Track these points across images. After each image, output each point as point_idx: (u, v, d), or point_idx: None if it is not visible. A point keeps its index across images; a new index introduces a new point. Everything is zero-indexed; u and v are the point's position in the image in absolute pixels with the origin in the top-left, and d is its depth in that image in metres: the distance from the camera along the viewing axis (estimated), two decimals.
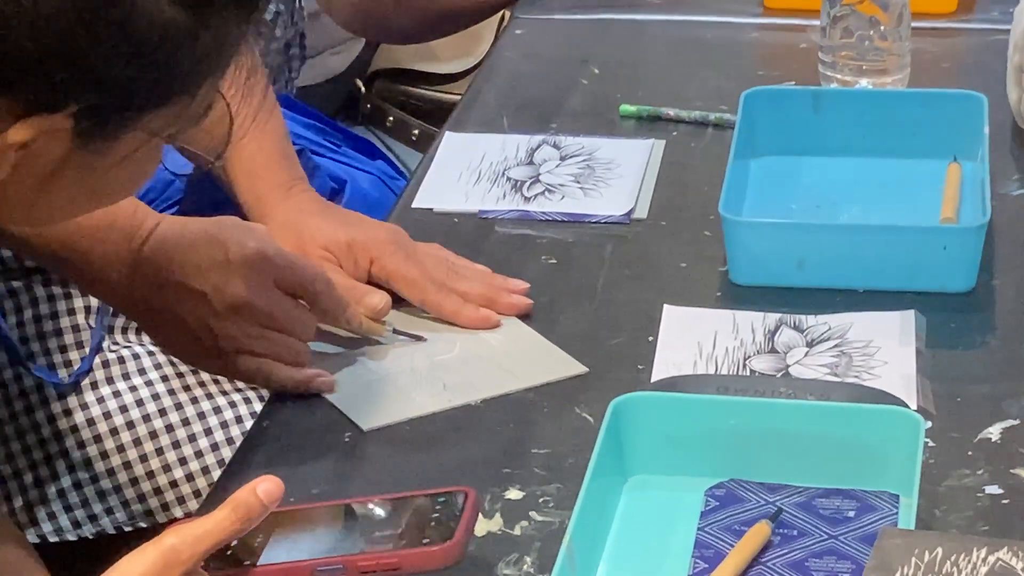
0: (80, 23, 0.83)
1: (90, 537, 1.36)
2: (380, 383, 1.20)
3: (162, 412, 1.37)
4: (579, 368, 1.21)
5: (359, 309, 1.23)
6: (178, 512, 1.37)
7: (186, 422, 1.37)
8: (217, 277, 1.16)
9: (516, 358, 1.23)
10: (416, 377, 1.21)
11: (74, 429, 1.36)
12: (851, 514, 1.03)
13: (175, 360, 1.39)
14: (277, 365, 1.18)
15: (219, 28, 0.88)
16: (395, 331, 1.24)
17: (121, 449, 1.37)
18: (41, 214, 0.92)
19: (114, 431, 1.36)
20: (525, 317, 1.28)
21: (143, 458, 1.37)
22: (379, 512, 0.98)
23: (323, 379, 1.19)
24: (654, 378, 1.19)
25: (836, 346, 1.22)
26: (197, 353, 1.20)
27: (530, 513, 1.07)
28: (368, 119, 2.22)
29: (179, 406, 1.37)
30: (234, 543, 0.96)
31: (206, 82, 0.90)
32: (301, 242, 1.29)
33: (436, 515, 0.96)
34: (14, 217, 0.93)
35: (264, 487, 0.91)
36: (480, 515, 1.04)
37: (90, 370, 1.37)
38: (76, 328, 1.38)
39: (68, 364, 1.38)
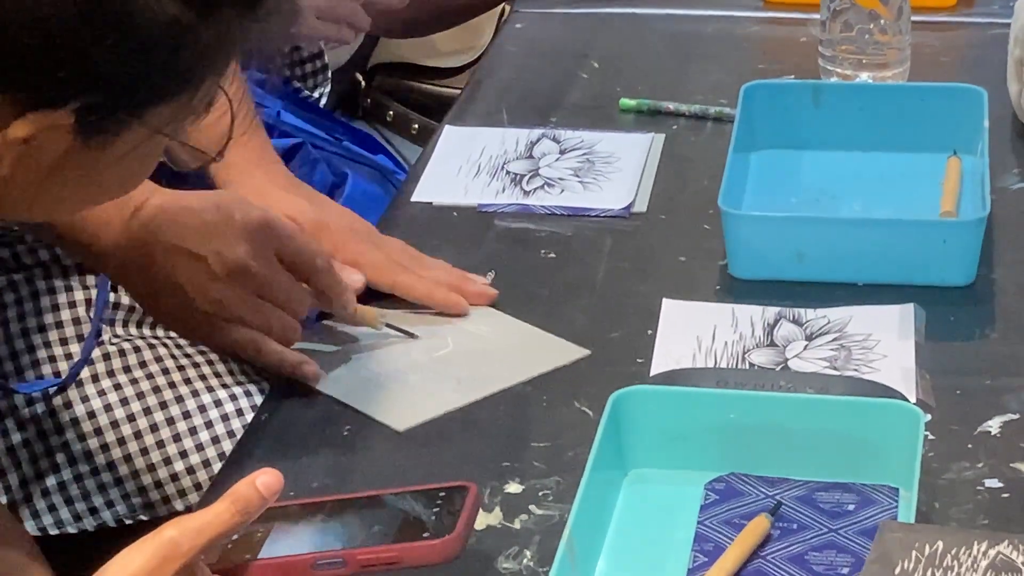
0: (82, 19, 0.83)
1: (91, 530, 1.36)
2: (391, 382, 1.20)
3: (163, 405, 1.37)
4: (581, 351, 1.21)
5: (353, 296, 1.23)
6: (179, 505, 1.37)
7: (187, 415, 1.37)
8: (219, 241, 1.16)
9: (517, 349, 1.23)
10: (425, 374, 1.21)
11: (75, 422, 1.36)
12: (851, 508, 1.03)
13: (176, 354, 1.39)
14: (268, 340, 1.18)
15: (221, 25, 0.88)
16: (387, 325, 1.24)
17: (122, 442, 1.37)
18: (42, 208, 0.92)
19: (115, 424, 1.36)
20: (523, 309, 1.28)
21: (144, 451, 1.37)
22: (380, 506, 0.98)
23: (309, 367, 1.19)
24: (653, 372, 1.19)
25: (835, 340, 1.22)
26: (189, 323, 1.20)
27: (530, 507, 1.07)
28: (368, 113, 2.22)
29: (180, 399, 1.37)
30: (234, 536, 0.96)
31: (207, 79, 0.90)
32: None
33: (437, 510, 0.96)
34: (15, 211, 0.93)
35: (263, 480, 0.91)
36: (480, 509, 1.04)
37: (90, 362, 1.37)
38: (77, 321, 1.38)
39: (68, 356, 1.38)
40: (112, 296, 1.40)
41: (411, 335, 1.25)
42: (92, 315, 1.39)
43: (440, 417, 1.16)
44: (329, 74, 1.70)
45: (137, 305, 1.41)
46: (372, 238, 1.29)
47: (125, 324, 1.41)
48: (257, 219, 1.17)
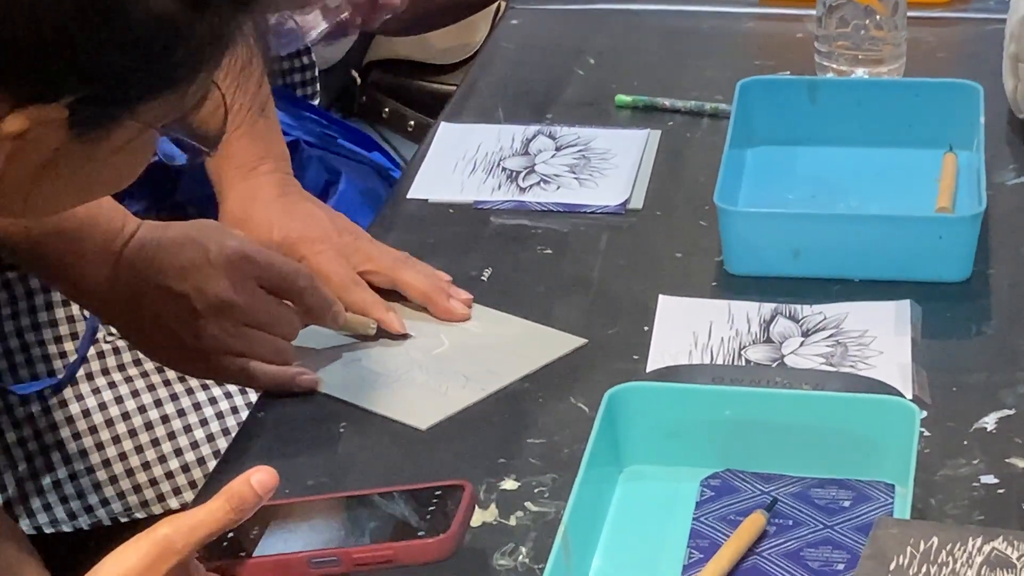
0: (76, 14, 0.83)
1: (86, 528, 1.36)
2: (398, 382, 1.20)
3: (157, 403, 1.37)
4: (578, 341, 1.22)
5: (343, 307, 1.22)
6: (174, 503, 1.37)
7: (181, 413, 1.37)
8: (198, 278, 1.16)
9: (515, 342, 1.23)
10: (430, 372, 1.21)
11: (69, 420, 1.36)
12: (846, 504, 1.03)
13: None
14: (260, 365, 1.18)
15: (214, 20, 0.88)
16: (378, 329, 1.24)
17: (116, 440, 1.36)
18: (36, 204, 0.92)
19: (109, 422, 1.36)
20: (519, 305, 1.28)
21: (138, 449, 1.36)
22: (375, 505, 0.98)
23: (305, 376, 1.19)
24: (649, 368, 1.19)
25: (831, 336, 1.22)
26: (180, 357, 1.19)
27: (525, 503, 1.07)
28: (364, 110, 2.22)
29: (174, 396, 1.37)
30: (229, 535, 0.96)
31: (201, 74, 0.90)
32: (246, 232, 1.29)
33: (432, 508, 0.96)
34: (9, 208, 0.92)
35: (258, 477, 0.91)
36: (475, 507, 1.04)
37: (84, 360, 1.37)
38: (71, 319, 1.38)
39: (63, 355, 1.38)
40: None
41: (404, 335, 1.24)
42: (87, 313, 1.39)
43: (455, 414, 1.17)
44: (316, 72, 1.69)
45: None
46: (337, 248, 1.28)
47: None
48: (232, 251, 1.17)
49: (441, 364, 1.21)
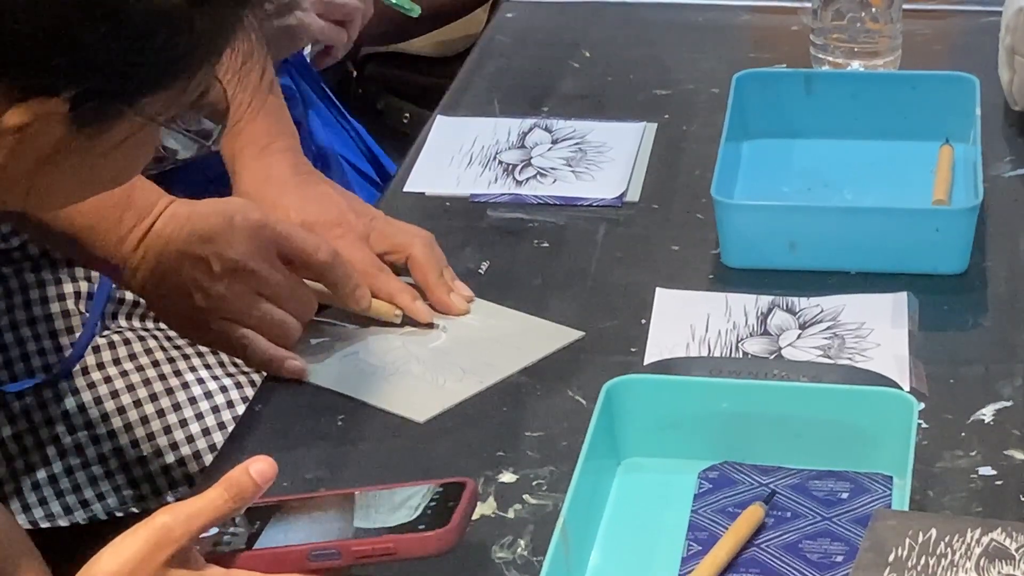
0: (76, 7, 0.83)
1: (82, 523, 1.36)
2: (396, 374, 1.19)
3: (153, 398, 1.37)
4: (575, 333, 1.22)
5: (368, 290, 1.23)
6: (170, 498, 1.37)
7: (177, 407, 1.37)
8: (220, 243, 1.18)
9: (512, 335, 1.23)
10: (427, 365, 1.21)
11: (65, 415, 1.36)
12: (844, 496, 1.03)
13: (166, 346, 1.39)
14: (257, 338, 1.19)
15: (215, 13, 0.88)
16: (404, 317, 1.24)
17: (112, 435, 1.36)
18: (38, 199, 0.92)
19: (105, 417, 1.36)
20: (516, 299, 1.28)
21: (135, 444, 1.36)
22: (376, 500, 0.98)
23: (294, 363, 1.19)
24: (647, 361, 1.19)
25: (829, 328, 1.22)
26: (187, 322, 1.21)
27: (524, 496, 1.07)
28: (359, 103, 2.22)
29: (170, 391, 1.37)
30: (230, 529, 0.96)
31: (203, 67, 0.90)
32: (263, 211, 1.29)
33: (433, 503, 0.96)
34: (11, 202, 0.92)
35: (257, 467, 0.91)
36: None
37: (81, 356, 1.37)
38: (67, 314, 1.38)
39: (59, 350, 1.37)
40: (117, 292, 1.40)
41: (431, 325, 1.24)
42: (84, 308, 1.38)
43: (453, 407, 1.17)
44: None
45: (134, 299, 1.41)
46: (357, 231, 1.28)
47: (115, 317, 1.40)
48: (256, 220, 1.19)
49: (439, 357, 1.21)
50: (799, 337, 1.22)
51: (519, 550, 1.02)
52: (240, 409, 1.33)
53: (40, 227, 1.23)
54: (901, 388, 1.13)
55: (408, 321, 1.25)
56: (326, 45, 1.64)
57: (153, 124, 0.90)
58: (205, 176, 1.41)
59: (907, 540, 0.89)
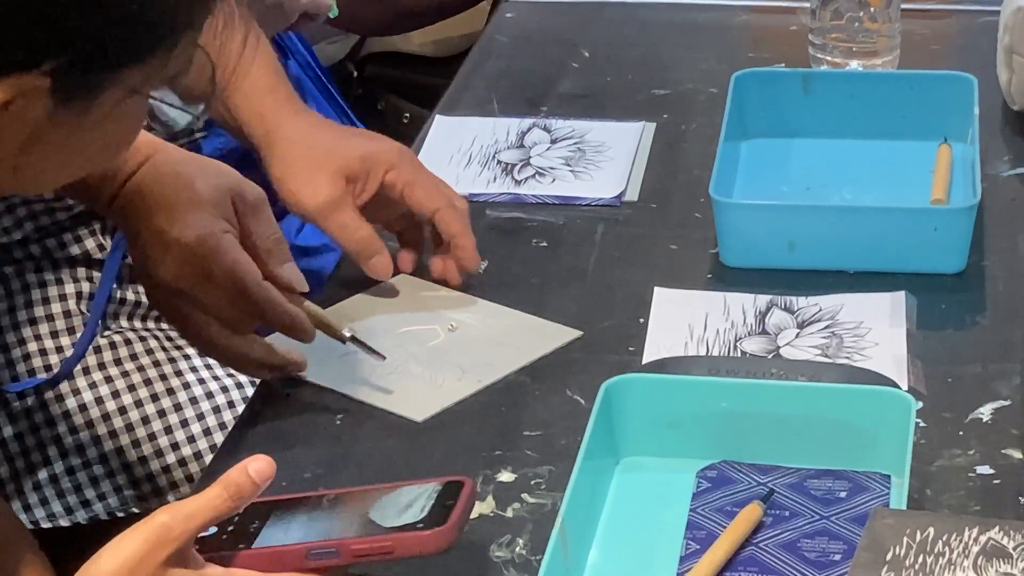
0: None
1: (83, 523, 1.36)
2: (394, 374, 1.20)
3: (154, 397, 1.37)
4: (574, 333, 1.22)
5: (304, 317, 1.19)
6: (171, 498, 1.37)
7: (178, 407, 1.37)
8: (155, 263, 1.15)
9: (510, 334, 1.23)
10: (426, 365, 1.21)
11: (66, 415, 1.36)
12: (843, 495, 1.03)
13: (167, 346, 1.39)
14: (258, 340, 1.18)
15: None
16: (353, 338, 1.19)
17: (113, 435, 1.36)
18: (26, 177, 0.91)
19: (106, 417, 1.36)
20: (515, 298, 1.28)
21: (135, 444, 1.37)
22: (374, 499, 0.98)
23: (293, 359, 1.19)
24: (645, 360, 1.20)
25: (827, 327, 1.22)
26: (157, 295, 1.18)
27: (522, 495, 1.07)
28: (359, 103, 2.22)
29: (171, 391, 1.37)
30: (229, 528, 0.96)
31: (184, 36, 0.89)
32: (314, 158, 1.27)
33: (432, 502, 0.96)
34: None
35: (256, 466, 0.91)
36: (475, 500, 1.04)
37: (82, 356, 1.37)
38: (67, 314, 1.38)
39: (60, 350, 1.38)
40: (118, 293, 1.40)
41: (379, 356, 1.19)
42: (84, 308, 1.39)
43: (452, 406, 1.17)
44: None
45: (135, 300, 1.41)
46: (417, 163, 1.30)
47: (116, 317, 1.41)
48: (194, 239, 1.14)
49: (437, 356, 1.22)
50: (797, 336, 1.22)
51: (518, 549, 1.02)
52: (240, 409, 1.33)
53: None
54: (899, 387, 1.14)
55: (408, 320, 1.24)
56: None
57: (138, 96, 0.89)
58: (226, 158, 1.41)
59: (905, 539, 0.89)
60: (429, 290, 1.30)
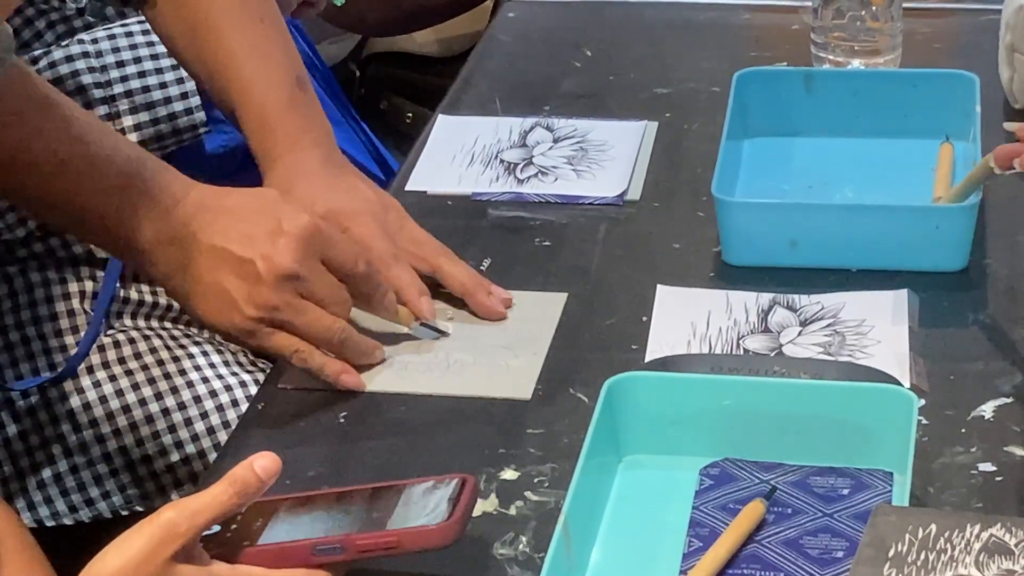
0: None
1: (87, 521, 1.36)
2: (452, 368, 1.20)
3: (158, 396, 1.37)
4: (560, 296, 1.26)
5: (394, 296, 1.21)
6: (175, 496, 1.37)
7: (182, 406, 1.37)
8: (267, 246, 1.14)
9: (524, 311, 1.24)
10: (475, 353, 1.21)
11: (70, 413, 1.37)
12: (845, 492, 1.03)
13: (171, 345, 1.39)
14: (314, 351, 1.16)
15: None
16: (422, 324, 1.22)
17: (117, 433, 1.37)
18: None
19: (110, 415, 1.37)
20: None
21: (139, 442, 1.37)
22: (378, 497, 0.98)
23: (350, 376, 1.17)
24: (648, 358, 1.20)
25: (829, 325, 1.23)
26: (231, 324, 1.17)
27: (525, 493, 1.07)
28: (362, 103, 2.22)
29: (175, 390, 1.38)
30: (233, 526, 0.96)
31: None
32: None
33: (435, 499, 0.96)
34: None
35: (261, 463, 0.92)
36: (478, 497, 1.04)
37: (86, 355, 1.38)
38: (72, 313, 1.39)
39: (64, 348, 1.38)
40: (121, 292, 1.41)
41: (443, 333, 1.23)
42: (88, 307, 1.39)
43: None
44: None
45: (139, 299, 1.41)
46: (381, 221, 1.26)
47: (120, 315, 1.41)
48: (305, 225, 1.16)
49: (477, 344, 1.21)
50: (800, 334, 1.22)
51: (521, 547, 1.03)
52: (244, 407, 1.34)
53: (50, 210, 1.21)
54: (901, 385, 1.14)
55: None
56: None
57: None
58: (223, 171, 1.41)
59: (907, 536, 0.89)
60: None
